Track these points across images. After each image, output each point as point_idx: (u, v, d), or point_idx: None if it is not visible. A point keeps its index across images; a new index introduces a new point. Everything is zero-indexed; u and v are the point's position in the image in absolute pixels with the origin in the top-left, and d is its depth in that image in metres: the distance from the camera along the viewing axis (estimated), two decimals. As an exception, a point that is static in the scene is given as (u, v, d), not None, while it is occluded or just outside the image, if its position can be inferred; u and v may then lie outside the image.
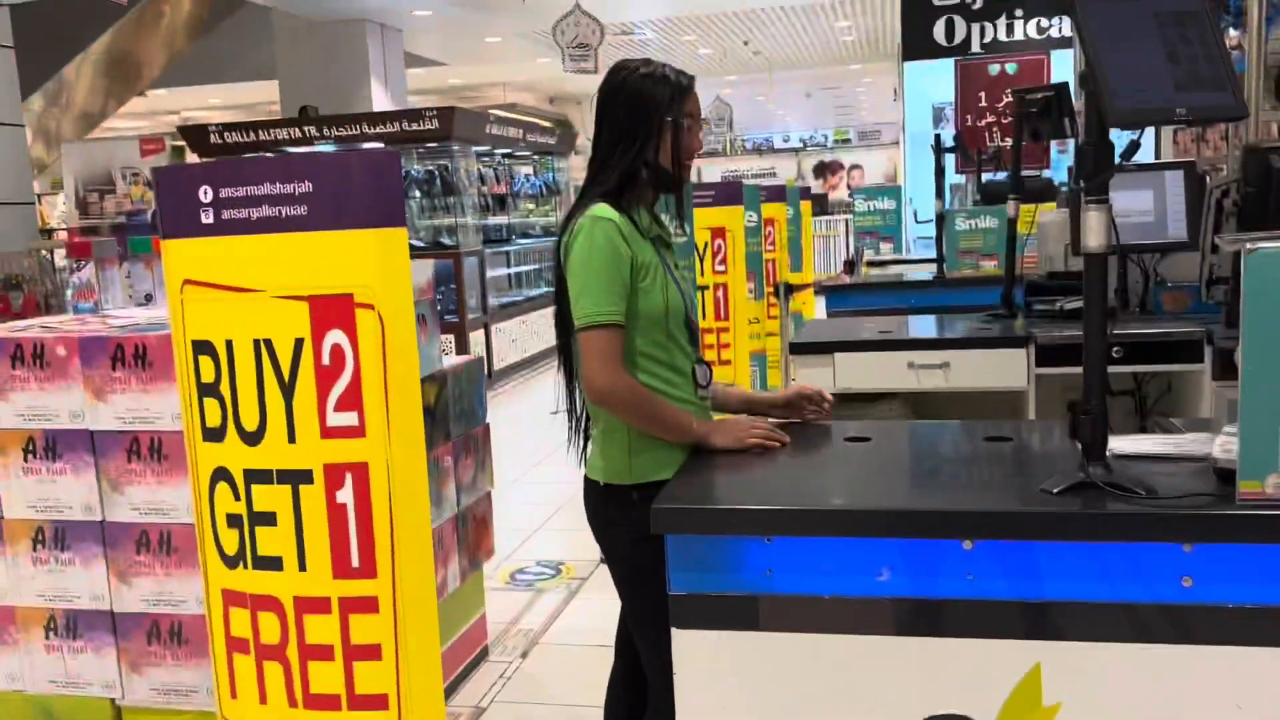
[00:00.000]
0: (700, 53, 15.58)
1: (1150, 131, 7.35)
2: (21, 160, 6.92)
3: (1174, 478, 1.74)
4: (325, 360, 1.69)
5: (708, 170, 19.80)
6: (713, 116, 16.24)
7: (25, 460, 2.78)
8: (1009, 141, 7.14)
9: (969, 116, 9.16)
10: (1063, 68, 8.90)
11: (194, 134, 8.67)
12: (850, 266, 8.77)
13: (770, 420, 2.21)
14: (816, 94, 21.87)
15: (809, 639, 1.73)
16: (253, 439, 1.74)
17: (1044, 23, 10.12)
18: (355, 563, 1.72)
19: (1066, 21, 9.12)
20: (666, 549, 1.77)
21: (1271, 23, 6.88)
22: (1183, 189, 3.37)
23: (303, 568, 1.73)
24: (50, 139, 10.81)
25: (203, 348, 1.77)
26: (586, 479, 2.19)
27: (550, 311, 2.21)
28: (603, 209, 2.05)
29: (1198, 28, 1.57)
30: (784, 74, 18.62)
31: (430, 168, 8.69)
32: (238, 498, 1.77)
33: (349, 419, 1.70)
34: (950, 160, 6.72)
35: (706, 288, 5.45)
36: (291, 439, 1.71)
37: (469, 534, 3.32)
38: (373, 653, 1.74)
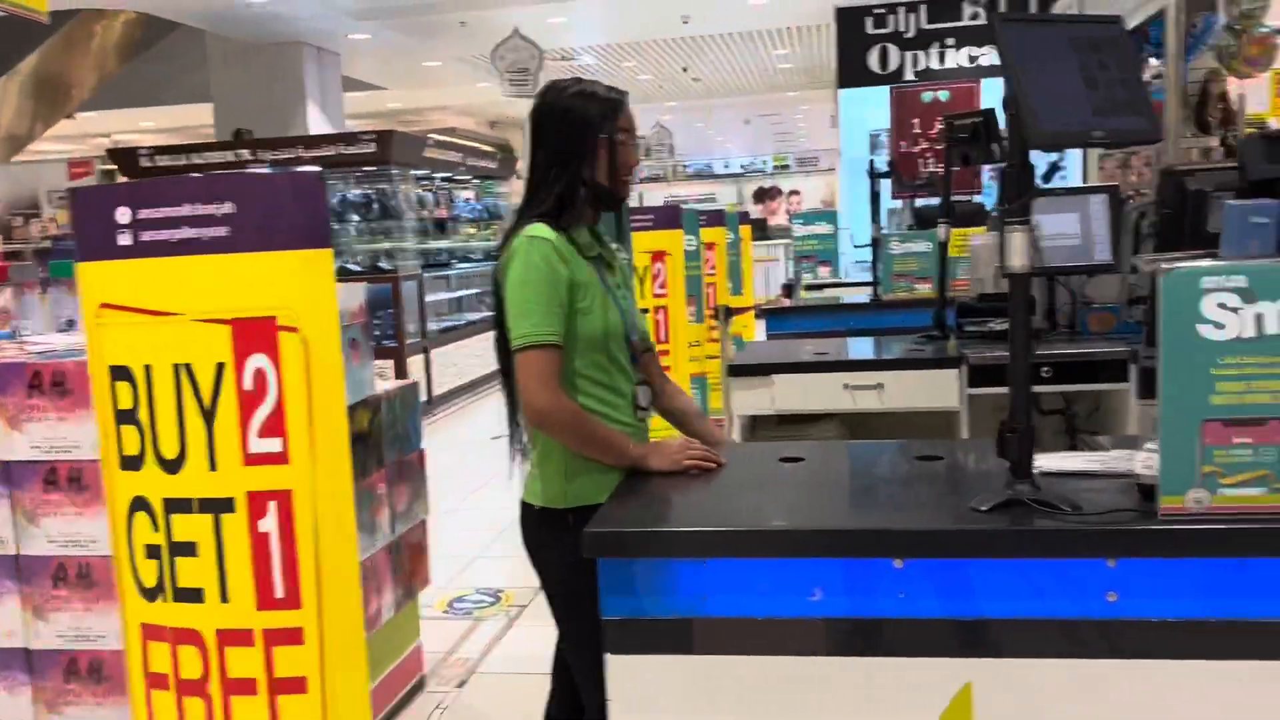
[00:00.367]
0: (640, 78, 15.69)
1: (1078, 158, 7.55)
2: (-58, 183, 6.74)
3: (1100, 494, 1.77)
4: (248, 385, 1.65)
5: (650, 195, 19.90)
6: (653, 142, 16.35)
7: (-64, 492, 2.68)
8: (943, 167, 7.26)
9: (903, 143, 9.33)
10: (993, 95, 9.11)
11: (124, 157, 8.50)
12: (789, 290, 8.86)
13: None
14: (755, 121, 22.14)
15: (743, 661, 1.72)
16: (172, 467, 1.69)
17: (974, 51, 10.37)
18: (279, 593, 1.68)
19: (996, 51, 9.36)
20: (599, 573, 1.75)
21: (1191, 52, 7.12)
22: (1106, 212, 3.45)
23: (224, 599, 1.68)
24: (-27, 162, 10.54)
25: (120, 373, 1.72)
26: (522, 503, 2.17)
27: (491, 336, 2.19)
28: (539, 229, 2.03)
29: (1114, 54, 1.61)
30: (723, 101, 18.83)
31: (368, 191, 8.61)
32: (156, 528, 1.71)
33: (272, 445, 1.66)
34: (885, 185, 6.84)
35: (647, 310, 5.46)
36: (213, 466, 1.67)
37: (403, 562, 3.26)
38: (298, 685, 1.69)
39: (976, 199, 7.03)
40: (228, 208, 1.63)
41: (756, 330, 9.10)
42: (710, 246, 7.34)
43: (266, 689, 1.69)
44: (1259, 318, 1.56)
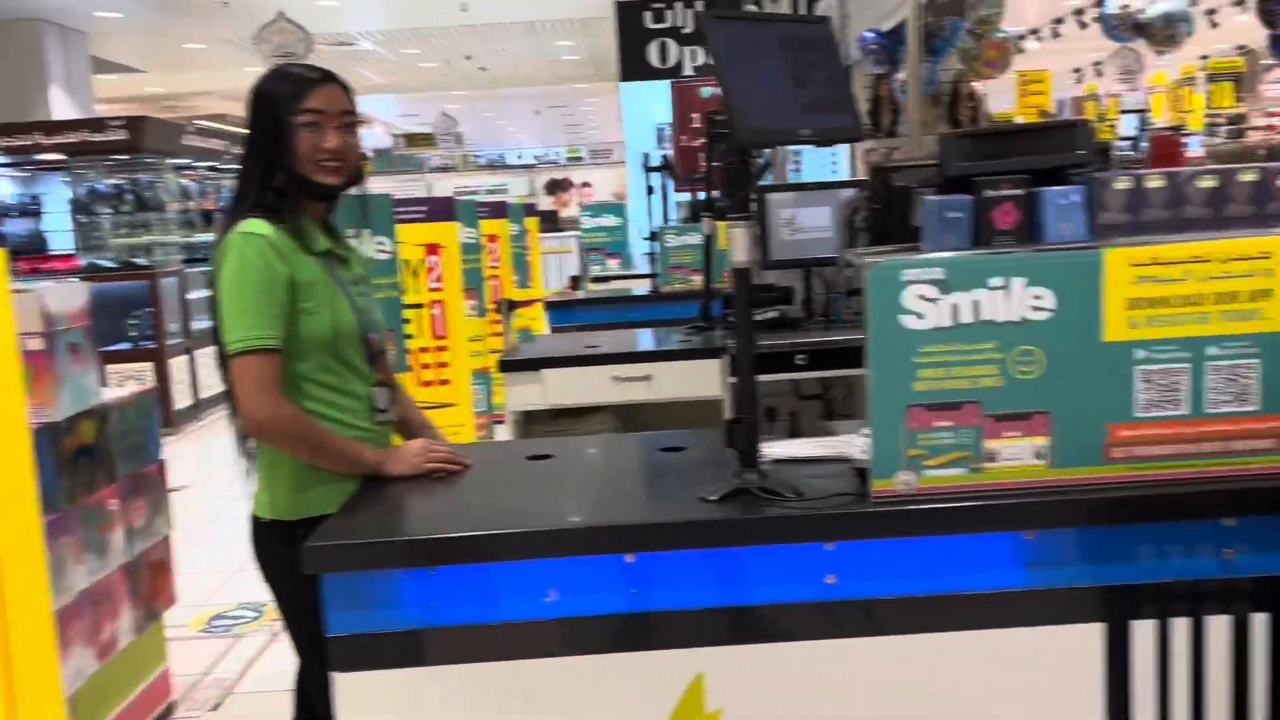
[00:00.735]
0: (424, 65, 15.33)
1: (846, 153, 7.91)
2: None
3: (823, 479, 1.83)
4: (-100, 403, 1.46)
5: (440, 186, 19.51)
6: (439, 131, 16.02)
7: None
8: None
9: (684, 137, 9.52)
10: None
11: None
12: (576, 282, 8.88)
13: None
14: (545, 112, 22.11)
15: (478, 669, 1.68)
16: None
17: (749, 48, 10.67)
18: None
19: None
20: (322, 589, 1.66)
21: (940, 55, 7.56)
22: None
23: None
24: None
25: None
26: (251, 516, 2.04)
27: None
28: (254, 224, 1.90)
29: (821, 53, 1.65)
30: (512, 91, 18.68)
31: (121, 182, 7.99)
32: None
33: (-68, 469, 1.48)
34: (659, 179, 6.96)
35: (421, 305, 5.32)
36: None
37: (143, 583, 3.02)
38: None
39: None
40: None
41: (546, 323, 9.08)
42: (493, 239, 7.25)
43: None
44: (954, 308, 1.65)
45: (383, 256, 3.98)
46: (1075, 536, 1.69)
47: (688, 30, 10.53)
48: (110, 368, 6.40)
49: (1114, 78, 14.19)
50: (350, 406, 2.03)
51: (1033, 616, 1.70)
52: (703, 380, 3.77)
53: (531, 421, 4.07)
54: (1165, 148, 10.30)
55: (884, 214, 1.82)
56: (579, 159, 24.07)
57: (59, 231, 8.47)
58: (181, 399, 7.73)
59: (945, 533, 1.68)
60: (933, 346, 1.66)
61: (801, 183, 4.60)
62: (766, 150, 1.67)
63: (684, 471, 1.99)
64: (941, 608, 1.70)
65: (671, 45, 10.50)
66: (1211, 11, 10.62)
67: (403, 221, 4.96)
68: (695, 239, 6.22)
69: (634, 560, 1.67)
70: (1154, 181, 1.64)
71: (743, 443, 1.78)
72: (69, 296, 2.72)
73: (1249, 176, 1.64)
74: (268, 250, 1.88)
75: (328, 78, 1.98)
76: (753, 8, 7.36)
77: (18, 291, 2.28)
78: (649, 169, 6.30)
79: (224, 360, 1.93)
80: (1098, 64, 14.60)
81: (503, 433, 4.63)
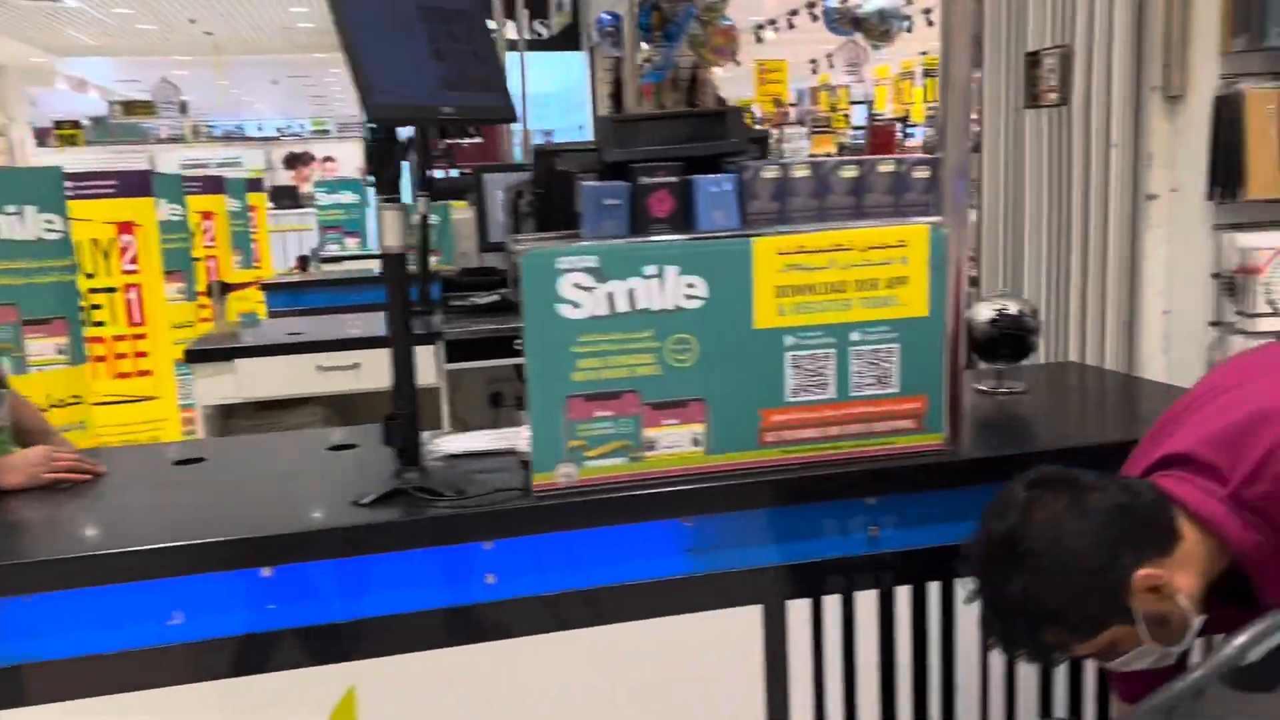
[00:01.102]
0: (141, 28, 14.10)
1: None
2: None
3: (490, 474, 1.76)
4: None
5: (164, 158, 18.04)
6: (159, 99, 14.81)
7: None
8: (461, 140, 7.22)
9: (424, 112, 9.22)
10: (511, 66, 9.31)
11: None
12: (304, 263, 8.42)
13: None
14: (285, 82, 20.91)
15: (93, 705, 1.49)
16: None
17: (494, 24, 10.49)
18: None
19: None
20: (-108, 627, 1.42)
21: (674, 40, 7.67)
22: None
23: None
24: None
25: None
26: None
27: None
28: None
29: (466, 26, 1.57)
30: (245, 59, 17.53)
31: None
32: None
33: None
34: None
35: (114, 290, 4.84)
36: None
37: None
38: None
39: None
40: None
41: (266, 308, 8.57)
42: (208, 216, 6.74)
43: None
44: (610, 296, 1.62)
45: (52, 236, 3.57)
46: (732, 521, 1.70)
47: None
48: None
49: (841, 70, 15.03)
50: (-46, 412, 1.77)
51: (694, 603, 1.70)
52: (418, 367, 3.63)
53: (234, 415, 3.80)
54: (882, 137, 11.02)
55: (548, 199, 1.77)
56: (325, 132, 22.97)
57: None
58: None
59: (606, 524, 1.66)
60: (590, 336, 1.62)
61: (520, 163, 4.53)
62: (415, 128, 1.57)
63: (348, 473, 1.87)
64: (605, 600, 1.67)
65: (409, 17, 10.12)
66: (928, 10, 11.43)
67: (86, 197, 4.49)
68: (433, 218, 6.04)
69: (272, 574, 1.53)
70: (800, 171, 1.67)
71: (400, 440, 1.68)
72: None
73: (887, 168, 1.70)
74: None
75: None
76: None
77: None
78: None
79: None
80: (830, 56, 15.43)
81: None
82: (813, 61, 16.79)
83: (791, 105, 15.59)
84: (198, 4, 12.70)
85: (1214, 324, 2.58)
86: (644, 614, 1.69)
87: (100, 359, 4.69)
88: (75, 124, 15.95)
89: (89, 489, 1.78)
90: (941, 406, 1.77)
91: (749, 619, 1.73)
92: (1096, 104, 2.69)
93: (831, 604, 1.76)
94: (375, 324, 3.96)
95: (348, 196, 10.19)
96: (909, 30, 10.22)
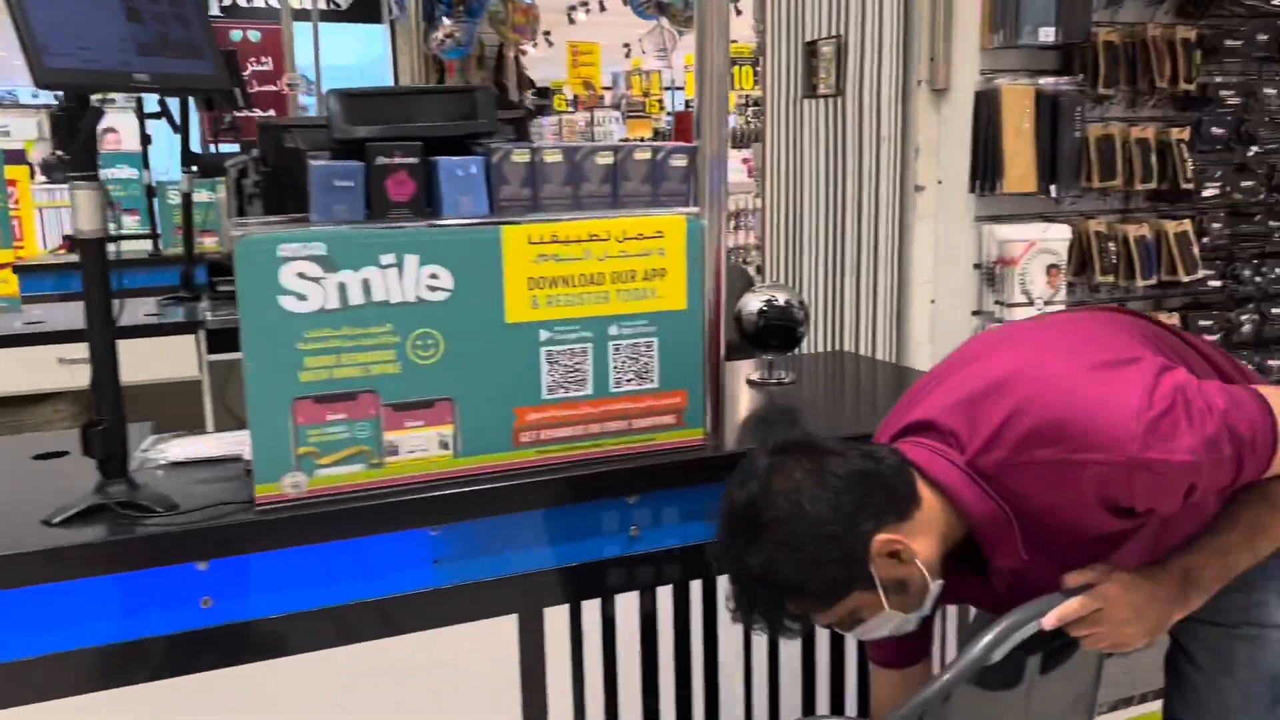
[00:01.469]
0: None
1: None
2: None
3: (213, 485, 1.59)
4: None
5: (-84, 124, 16.22)
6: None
7: None
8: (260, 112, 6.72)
9: (208, 82, 8.65)
10: (305, 38, 8.85)
11: None
12: (72, 242, 7.74)
13: None
14: (59, 44, 19.21)
15: None
16: None
17: (283, -7, 9.92)
18: None
19: (301, -7, 9.05)
20: None
21: (476, 15, 7.44)
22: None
23: None
24: None
25: None
26: None
27: None
28: None
29: (170, -15, 1.38)
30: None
31: None
32: None
33: None
34: (164, 126, 6.18)
35: None
36: None
37: None
38: None
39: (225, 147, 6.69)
40: None
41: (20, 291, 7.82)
42: (-47, 190, 6.06)
43: None
44: (341, 287, 1.48)
45: None
46: (484, 528, 1.60)
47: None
48: None
49: (651, 55, 15.09)
50: None
51: (444, 617, 1.59)
52: (177, 360, 3.35)
53: (-36, 413, 3.40)
54: (687, 122, 11.14)
55: (276, 179, 1.60)
56: (111, 101, 21.32)
57: None
58: None
59: (343, 537, 1.52)
60: (320, 331, 1.48)
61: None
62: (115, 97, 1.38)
63: (48, 486, 1.65)
64: (344, 620, 1.54)
65: (194, -20, 9.45)
66: (735, 0, 11.60)
67: None
68: (203, 196, 5.63)
69: (-66, 610, 1.32)
70: (552, 156, 1.58)
71: (103, 450, 1.49)
72: None
73: (643, 156, 1.63)
74: None
75: None
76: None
77: None
78: (143, 115, 5.55)
79: None
80: (641, 40, 15.46)
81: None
82: (625, 45, 16.81)
83: (607, 89, 15.56)
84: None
85: (975, 313, 2.66)
86: (388, 632, 1.57)
87: None
88: None
89: None
90: (702, 401, 1.72)
91: (504, 630, 1.63)
92: (868, 95, 2.72)
93: (591, 608, 1.68)
94: (137, 310, 3.63)
95: (125, 171, 9.45)
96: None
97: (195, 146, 7.01)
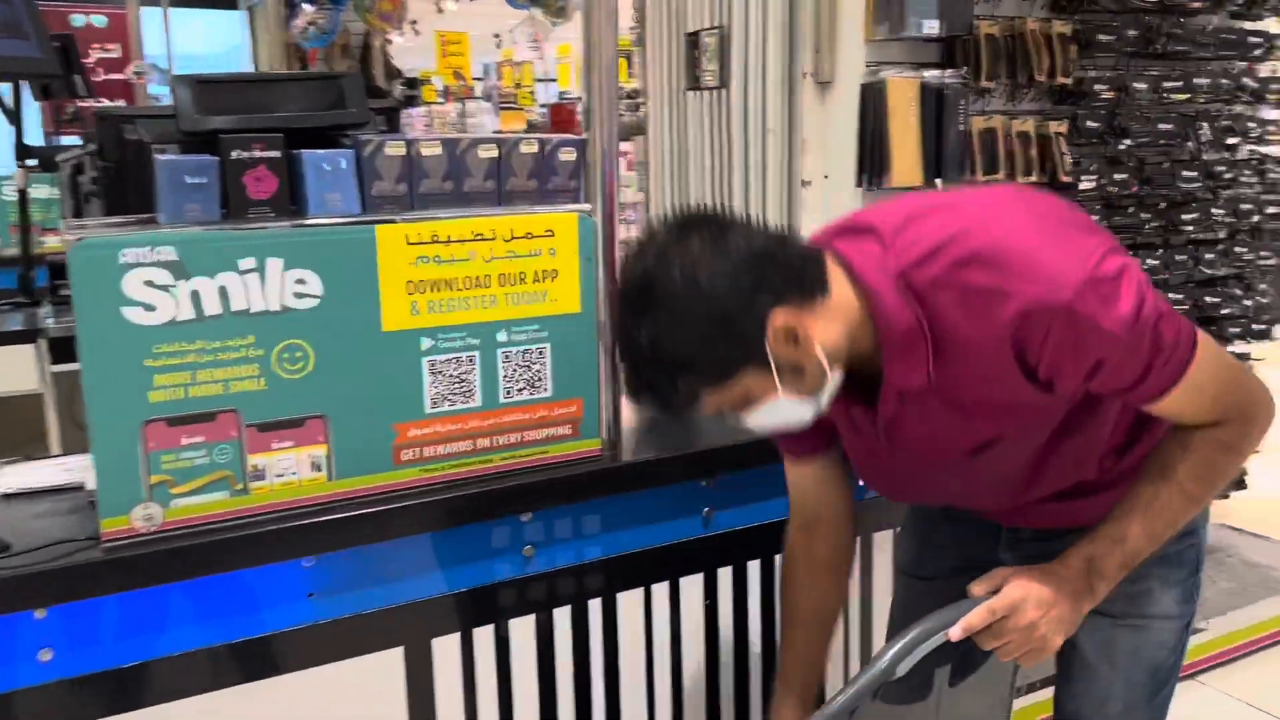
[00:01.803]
0: None
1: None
2: None
3: (55, 520, 1.41)
4: None
5: None
6: None
7: None
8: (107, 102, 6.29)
9: (51, 69, 8.08)
10: (154, 23, 8.37)
11: None
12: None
13: None
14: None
15: None
16: None
17: (130, -25, 9.37)
18: None
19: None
20: None
21: (341, 3, 7.14)
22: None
23: None
24: None
25: None
26: None
27: None
28: None
29: (-19, -48, 1.20)
30: None
31: None
32: None
33: None
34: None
35: None
36: None
37: None
38: None
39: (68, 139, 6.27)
40: None
41: None
42: None
43: None
44: (195, 296, 1.32)
45: None
46: (365, 556, 1.47)
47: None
48: None
49: (524, 45, 14.90)
50: None
51: (322, 654, 1.46)
52: (15, 372, 3.06)
53: None
54: (563, 115, 11.00)
55: (118, 175, 1.43)
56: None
57: None
58: None
59: (203, 573, 1.37)
60: (171, 346, 1.32)
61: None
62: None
63: None
64: (210, 664, 1.38)
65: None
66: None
67: None
68: (47, 191, 5.23)
69: None
70: (430, 149, 1.45)
71: (-86, 486, 1.30)
72: None
73: (530, 149, 1.52)
74: None
75: None
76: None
77: None
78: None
79: None
80: (513, 30, 15.23)
81: None
82: (496, 36, 16.53)
83: (478, 80, 15.28)
84: None
85: (865, 307, 2.63)
86: (261, 674, 1.42)
87: None
88: None
89: None
90: (599, 409, 1.62)
91: (389, 664, 1.51)
92: (753, 88, 2.67)
93: (483, 635, 1.57)
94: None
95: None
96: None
97: (37, 138, 6.54)
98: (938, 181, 2.50)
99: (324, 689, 1.46)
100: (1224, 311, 2.96)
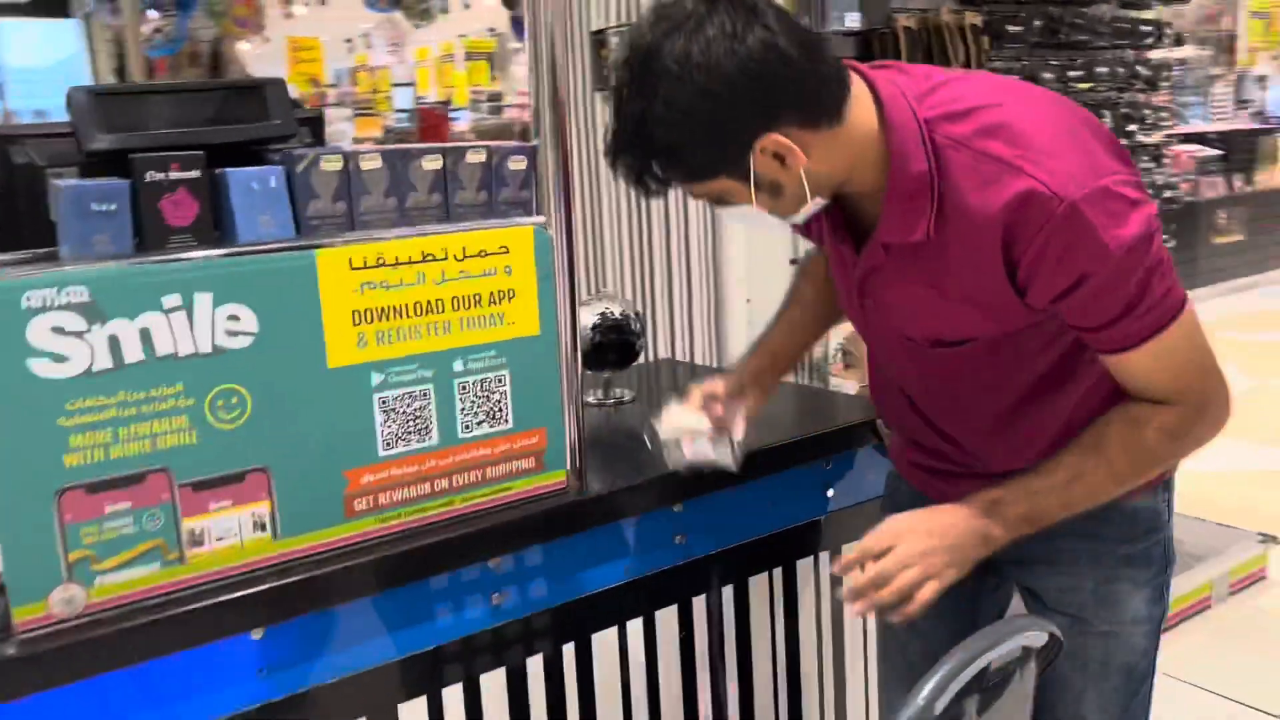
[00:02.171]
0: None
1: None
2: None
3: (-51, 609, 1.20)
4: None
5: None
6: None
7: None
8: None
9: None
10: (-21, 36, 7.76)
11: None
12: None
13: None
14: None
15: None
16: None
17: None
18: None
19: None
20: None
21: (189, 9, 6.75)
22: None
23: None
24: None
25: None
26: None
27: None
28: None
29: None
30: None
31: None
32: None
33: None
34: None
35: None
36: None
37: None
38: None
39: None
40: None
41: None
42: None
43: None
44: (114, 341, 1.14)
45: None
46: (318, 622, 1.31)
47: None
48: None
49: (383, 50, 14.49)
50: None
51: (276, 734, 1.29)
52: None
53: None
54: (432, 120, 10.71)
55: (6, 205, 1.24)
56: None
57: None
58: None
59: (139, 660, 1.18)
60: (88, 400, 1.14)
61: None
62: None
63: None
64: (145, 762, 1.20)
65: None
66: (467, -10, 11.26)
67: None
68: None
69: None
70: (370, 162, 1.30)
71: None
72: None
73: (478, 158, 1.39)
74: None
75: None
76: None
77: None
78: None
79: None
80: (366, 35, 14.78)
81: None
82: (348, 41, 16.01)
83: (330, 86, 14.78)
84: None
85: (792, 309, 2.58)
86: (206, 766, 1.25)
87: None
88: None
89: None
90: (564, 438, 1.50)
91: (352, 736, 1.35)
92: (668, 87, 2.57)
93: (453, 695, 1.43)
94: None
95: None
96: (444, 11, 9.99)
97: None
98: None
99: (278, 773, 1.30)
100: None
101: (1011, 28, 2.60)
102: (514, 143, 1.44)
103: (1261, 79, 10.50)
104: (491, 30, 14.48)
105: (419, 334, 1.35)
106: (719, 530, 1.65)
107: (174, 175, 1.20)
